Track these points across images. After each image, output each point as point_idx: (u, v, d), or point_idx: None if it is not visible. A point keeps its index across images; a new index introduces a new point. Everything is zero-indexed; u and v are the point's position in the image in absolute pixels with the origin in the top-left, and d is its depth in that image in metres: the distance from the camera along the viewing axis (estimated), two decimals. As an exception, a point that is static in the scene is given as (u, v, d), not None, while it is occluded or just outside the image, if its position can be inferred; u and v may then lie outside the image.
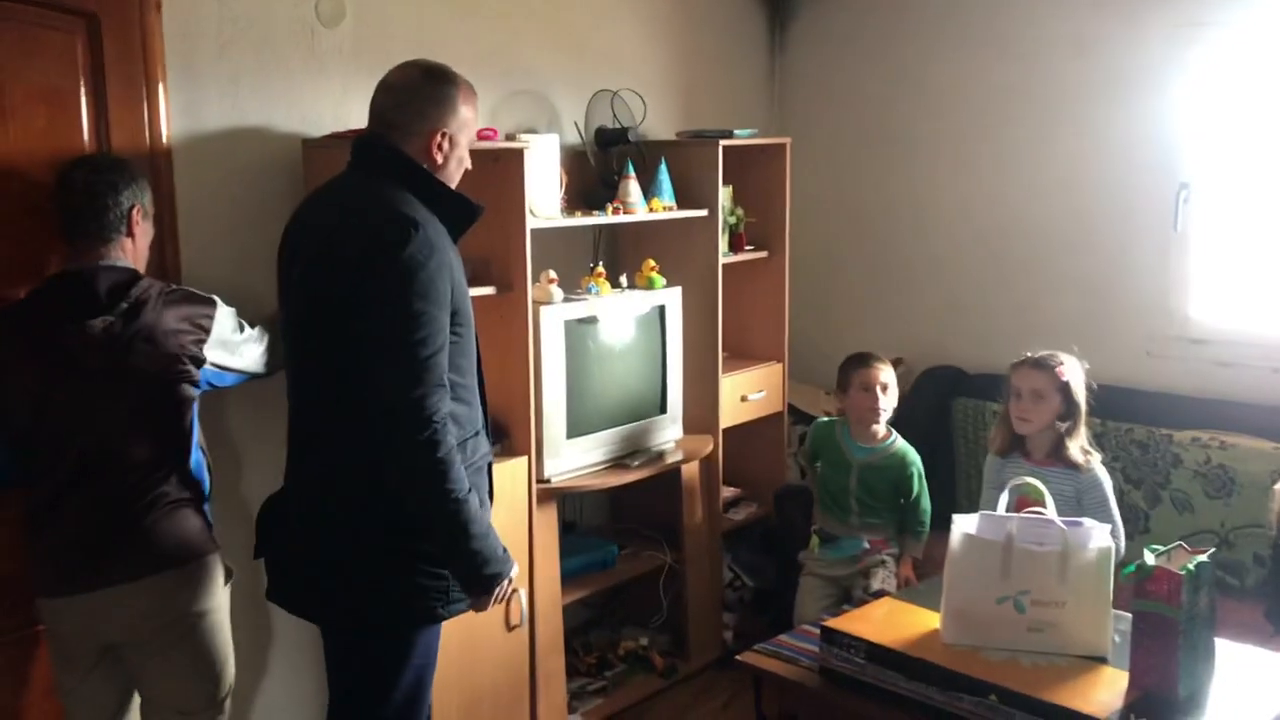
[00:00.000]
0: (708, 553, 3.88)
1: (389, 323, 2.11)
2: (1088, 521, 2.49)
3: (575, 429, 3.34)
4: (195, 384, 2.41)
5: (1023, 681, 2.25)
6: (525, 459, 3.19)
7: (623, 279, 3.57)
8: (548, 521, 3.31)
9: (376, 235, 2.14)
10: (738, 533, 4.09)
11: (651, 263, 3.62)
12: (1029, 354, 3.11)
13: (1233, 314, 3.71)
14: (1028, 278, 4.07)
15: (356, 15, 3.06)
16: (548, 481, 3.27)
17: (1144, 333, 3.83)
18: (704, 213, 3.73)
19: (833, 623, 2.53)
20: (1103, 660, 2.35)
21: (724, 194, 3.80)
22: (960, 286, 4.24)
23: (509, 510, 3.13)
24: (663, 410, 3.65)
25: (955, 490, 3.95)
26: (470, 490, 2.17)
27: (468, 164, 2.39)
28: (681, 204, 3.70)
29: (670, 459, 3.60)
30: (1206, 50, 3.63)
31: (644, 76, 3.93)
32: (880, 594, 3.18)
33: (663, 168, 3.66)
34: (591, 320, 3.39)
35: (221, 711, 2.50)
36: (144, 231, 2.43)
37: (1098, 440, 3.20)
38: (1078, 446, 3.03)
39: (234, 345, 2.50)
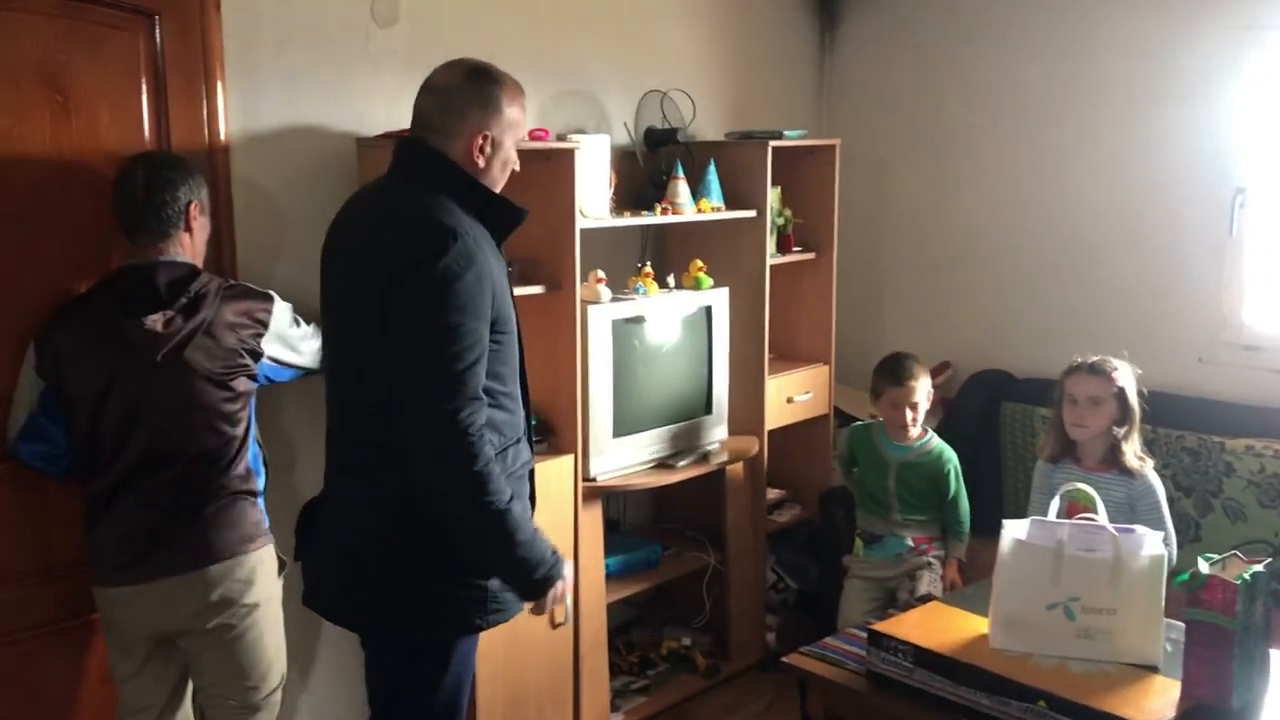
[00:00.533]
0: (751, 554, 3.88)
1: (424, 336, 2.07)
2: (1140, 528, 2.46)
3: (621, 428, 3.35)
4: (253, 378, 2.45)
5: (1072, 688, 2.23)
6: (571, 457, 3.20)
7: (670, 279, 3.58)
8: (593, 520, 3.32)
9: (412, 246, 2.10)
10: (781, 534, 4.08)
11: (699, 263, 3.63)
12: (1081, 359, 3.08)
13: (1289, 321, 3.65)
14: (1079, 282, 4.03)
15: (410, 16, 3.10)
16: (593, 480, 3.28)
17: (1197, 339, 3.78)
18: (752, 213, 3.73)
19: (879, 626, 2.52)
20: (1154, 669, 2.32)
21: (772, 195, 3.80)
22: (1010, 290, 4.21)
23: (554, 508, 3.15)
24: (708, 411, 3.65)
25: (1002, 495, 3.92)
26: (511, 498, 2.12)
27: (515, 165, 2.34)
28: (730, 205, 3.70)
29: (715, 460, 3.60)
30: (1264, 54, 3.58)
31: (693, 77, 3.93)
32: (926, 598, 3.17)
33: (711, 168, 3.66)
34: (639, 320, 3.40)
35: (273, 702, 2.53)
36: (201, 227, 2.47)
37: (1148, 447, 3.16)
38: (1132, 452, 3.00)
39: (291, 340, 2.54)
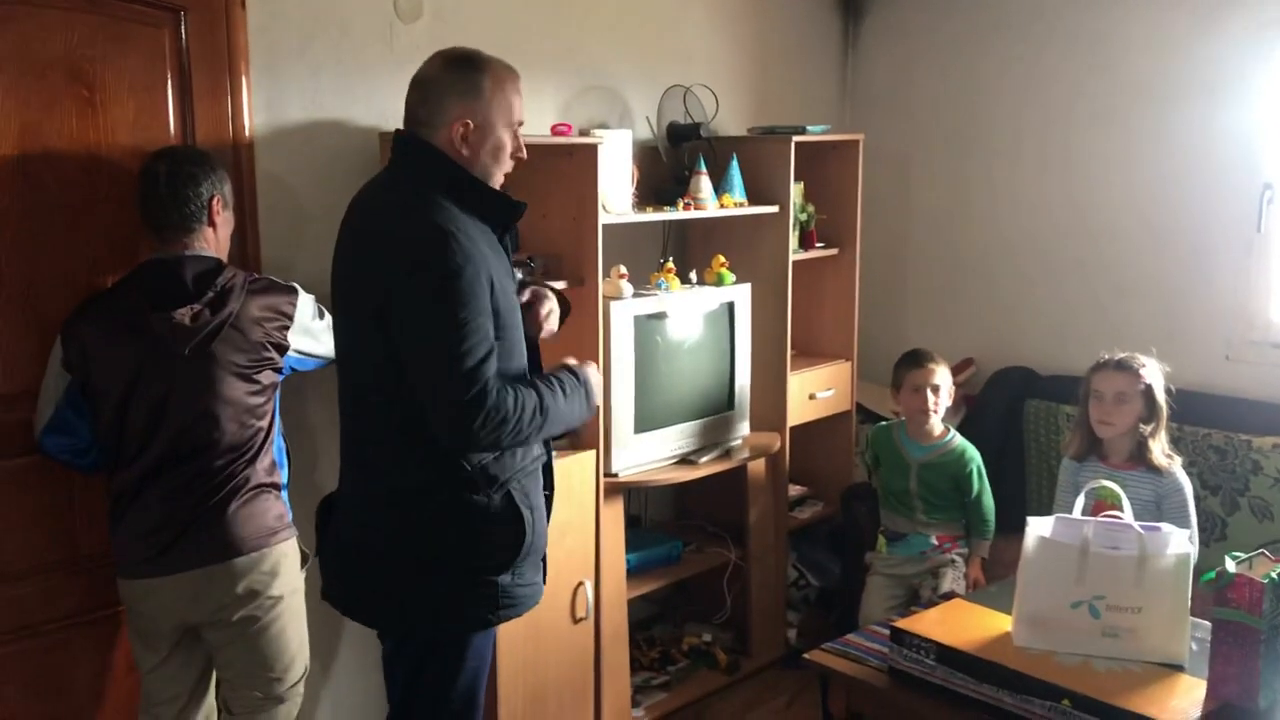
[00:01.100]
0: (773, 551, 3.87)
1: (433, 338, 2.07)
2: (1165, 526, 2.44)
3: (643, 424, 3.35)
4: (279, 370, 2.47)
5: (1096, 687, 2.22)
6: (593, 453, 3.20)
7: (692, 275, 3.57)
8: (614, 515, 3.32)
9: (407, 249, 2.10)
10: (803, 531, 4.07)
11: (721, 259, 3.62)
12: (1109, 355, 3.06)
13: (1317, 318, 3.62)
14: (1104, 279, 4.00)
15: (434, 11, 3.10)
16: (615, 476, 3.28)
17: (1223, 336, 3.75)
18: (775, 209, 3.72)
19: (902, 623, 2.51)
20: (1179, 668, 2.31)
21: (795, 190, 3.79)
22: (1034, 287, 4.18)
23: (576, 503, 3.15)
24: (730, 407, 3.64)
25: (1026, 492, 3.90)
26: (534, 404, 2.16)
27: (520, 153, 2.29)
28: (752, 200, 3.69)
29: (737, 456, 3.60)
30: (1293, 47, 3.54)
31: (716, 72, 3.93)
32: (949, 595, 3.15)
33: (734, 164, 3.65)
34: (661, 316, 3.40)
35: (296, 694, 2.54)
36: (225, 221, 2.48)
37: (1174, 445, 3.14)
38: (1160, 450, 2.98)
39: (315, 331, 2.54)
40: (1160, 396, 3.00)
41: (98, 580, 2.55)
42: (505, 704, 3.04)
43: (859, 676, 2.54)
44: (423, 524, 2.21)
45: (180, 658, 2.47)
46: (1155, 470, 2.99)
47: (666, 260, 3.56)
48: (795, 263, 3.81)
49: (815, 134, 3.81)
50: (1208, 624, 2.27)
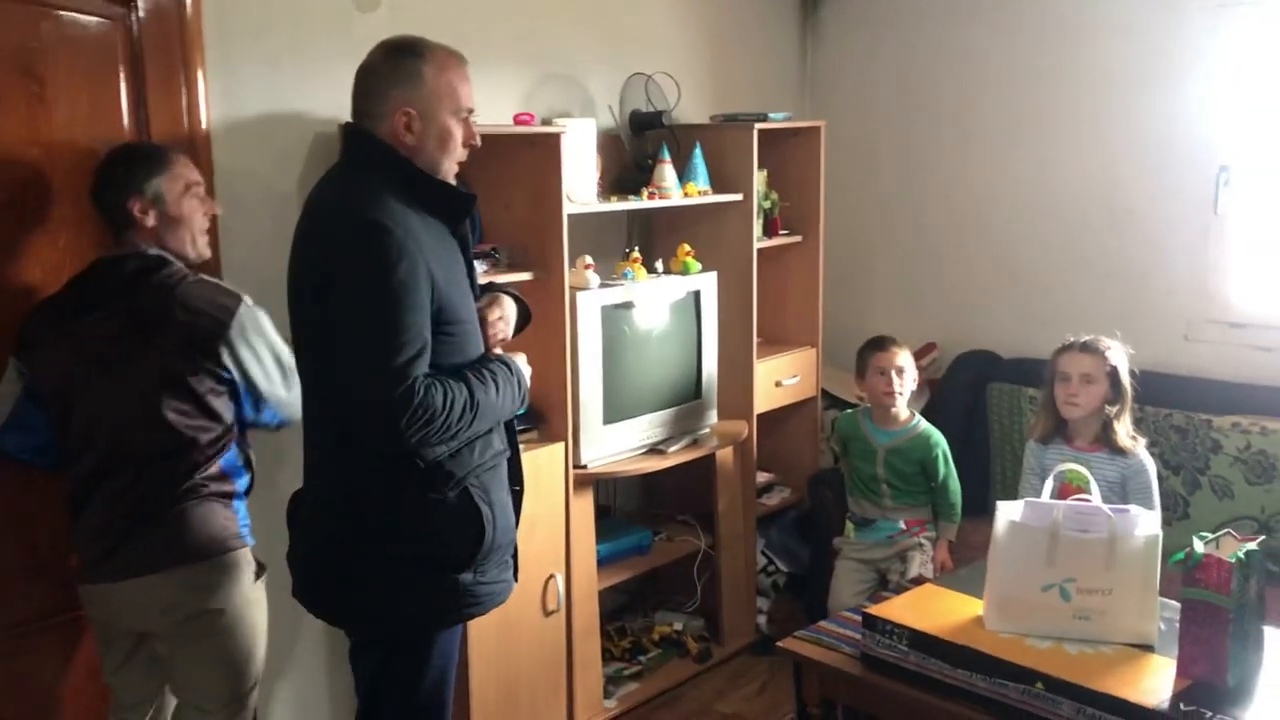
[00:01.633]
0: (742, 538, 3.87)
1: (362, 334, 2.03)
2: (1134, 508, 2.46)
3: (612, 415, 3.33)
4: (219, 376, 2.33)
5: (1069, 669, 2.23)
6: (562, 445, 3.19)
7: (658, 264, 3.56)
8: (584, 507, 3.31)
9: (339, 246, 2.07)
10: (771, 518, 4.08)
11: (687, 248, 3.61)
12: (1074, 338, 3.09)
13: (1272, 298, 3.66)
14: (1064, 262, 4.04)
15: (391, 1, 3.05)
16: (584, 467, 3.27)
17: (1182, 317, 3.79)
18: (739, 197, 3.71)
19: (874, 609, 2.52)
20: (1149, 648, 2.33)
21: (759, 178, 3.78)
22: (995, 270, 4.21)
23: (546, 497, 3.14)
24: (698, 395, 3.64)
25: (990, 475, 3.93)
26: (463, 399, 2.10)
27: (473, 141, 2.25)
28: (716, 188, 3.68)
29: (706, 444, 3.59)
30: (1247, 31, 3.58)
31: (676, 60, 3.90)
32: (918, 580, 3.17)
33: (697, 152, 3.64)
34: (628, 306, 3.38)
35: (245, 706, 2.44)
36: (156, 219, 2.34)
37: (1136, 426, 3.17)
38: (1125, 431, 3.02)
39: (262, 356, 2.37)
40: (1125, 378, 3.04)
41: (57, 584, 2.49)
42: (477, 698, 3.02)
43: (832, 663, 2.54)
44: (381, 524, 2.18)
45: (140, 662, 2.41)
46: (1120, 452, 3.03)
47: (632, 250, 3.54)
48: (760, 250, 3.81)
49: (777, 121, 3.80)
50: (1176, 604, 2.30)
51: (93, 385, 2.28)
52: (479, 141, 2.28)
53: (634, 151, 3.65)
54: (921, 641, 2.39)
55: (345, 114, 2.89)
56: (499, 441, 2.31)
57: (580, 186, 3.26)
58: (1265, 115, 3.58)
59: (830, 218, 4.12)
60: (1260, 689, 2.23)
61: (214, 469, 2.35)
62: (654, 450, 3.48)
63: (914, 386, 3.49)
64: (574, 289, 3.18)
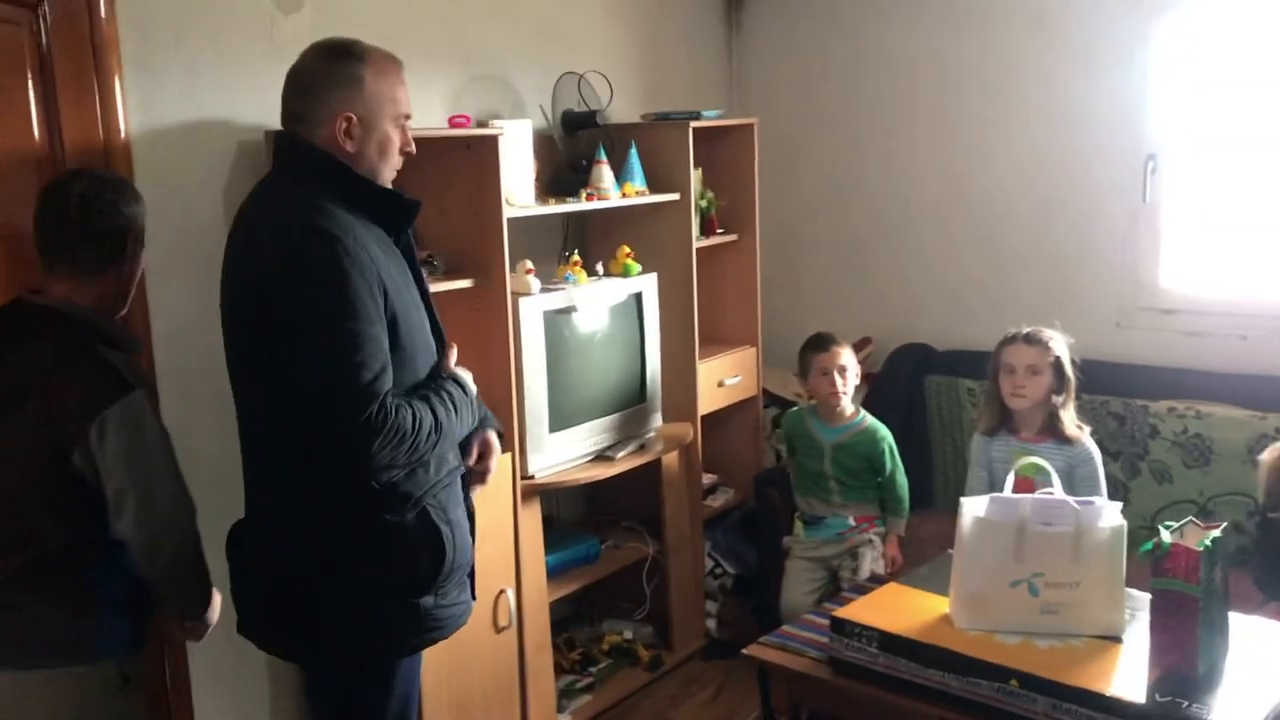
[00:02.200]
0: (690, 542, 3.82)
1: (322, 351, 1.92)
2: (1099, 500, 2.47)
3: (557, 422, 3.25)
4: (84, 486, 2.00)
5: (1040, 665, 2.23)
6: (509, 456, 3.09)
7: (599, 267, 3.48)
8: (532, 519, 3.22)
9: (287, 258, 1.95)
10: (716, 519, 4.04)
11: (627, 249, 3.54)
12: (1016, 330, 3.10)
13: (1202, 283, 3.72)
14: (995, 253, 4.06)
15: (315, 1, 2.93)
16: (532, 478, 3.18)
17: (1114, 305, 3.84)
18: (676, 196, 3.66)
19: (841, 612, 2.49)
20: (1117, 640, 2.34)
21: (695, 177, 3.73)
22: (927, 263, 4.22)
23: (493, 510, 3.04)
24: (643, 399, 3.57)
25: (931, 467, 3.94)
26: (430, 421, 2.04)
27: (409, 148, 2.16)
28: (653, 188, 3.62)
29: (653, 449, 3.53)
30: (1172, 19, 3.63)
31: (605, 59, 3.83)
32: (874, 577, 3.16)
33: (633, 151, 3.57)
34: (570, 310, 3.30)
35: None
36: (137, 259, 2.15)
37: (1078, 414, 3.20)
38: (1071, 420, 3.04)
39: (131, 476, 2.00)
40: (1069, 368, 3.06)
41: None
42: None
43: (800, 669, 2.51)
44: (335, 549, 2.07)
45: None
46: (1066, 441, 3.05)
47: (571, 253, 3.46)
48: (698, 250, 3.76)
49: (711, 119, 3.75)
50: (1140, 594, 2.30)
51: None
52: (414, 149, 2.19)
53: (568, 152, 3.57)
54: (891, 643, 2.37)
55: (271, 121, 2.77)
56: (453, 457, 2.23)
57: (518, 189, 3.17)
58: (1192, 103, 3.64)
59: (763, 215, 4.09)
60: (1227, 675, 2.25)
61: (76, 565, 2.04)
62: (601, 457, 3.41)
63: (857, 382, 3.48)
64: (516, 295, 3.09)
